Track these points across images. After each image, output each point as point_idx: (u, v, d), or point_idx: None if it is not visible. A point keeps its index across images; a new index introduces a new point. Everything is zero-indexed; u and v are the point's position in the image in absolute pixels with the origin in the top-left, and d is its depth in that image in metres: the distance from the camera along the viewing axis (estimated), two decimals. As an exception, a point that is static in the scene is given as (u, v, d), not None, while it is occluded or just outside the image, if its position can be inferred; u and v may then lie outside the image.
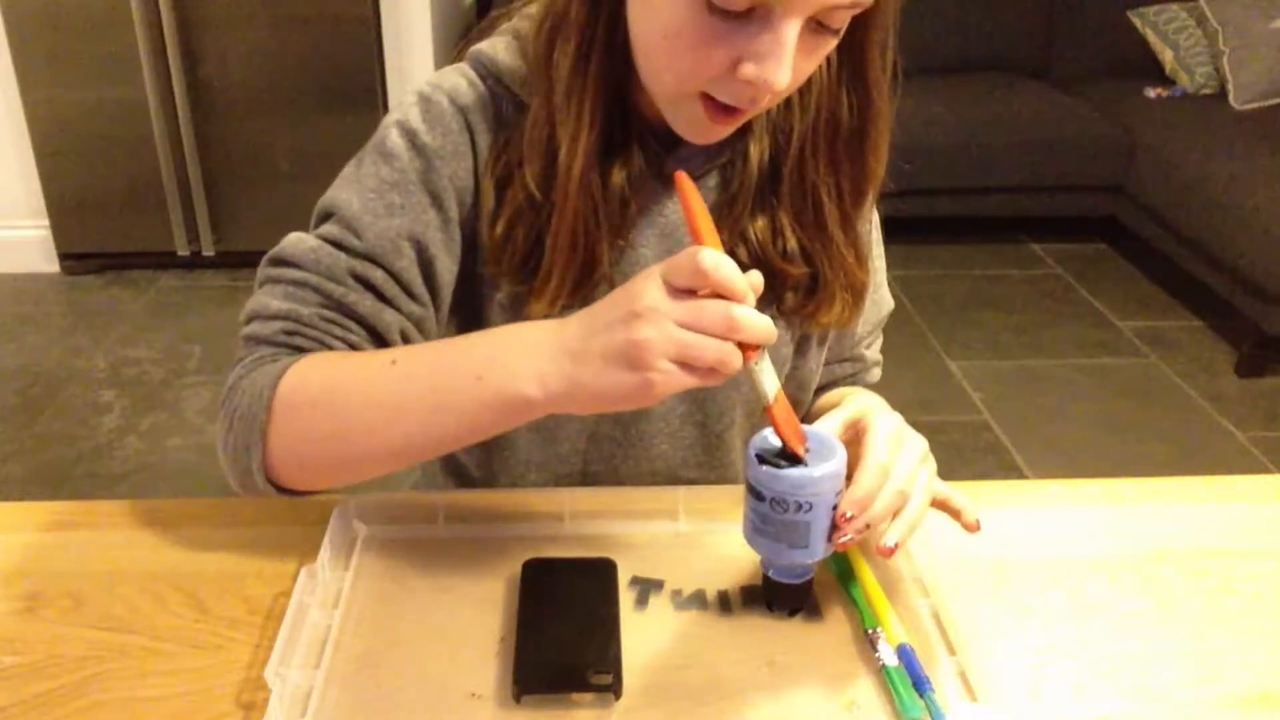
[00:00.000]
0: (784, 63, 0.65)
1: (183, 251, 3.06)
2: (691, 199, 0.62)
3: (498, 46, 0.79)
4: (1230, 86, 3.28)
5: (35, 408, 2.45)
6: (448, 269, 0.79)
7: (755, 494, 0.67)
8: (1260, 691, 0.68)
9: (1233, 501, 0.88)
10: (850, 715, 0.65)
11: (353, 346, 0.75)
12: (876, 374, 1.01)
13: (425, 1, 2.94)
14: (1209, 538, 0.83)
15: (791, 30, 0.64)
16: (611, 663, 0.66)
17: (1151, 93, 3.40)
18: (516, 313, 0.80)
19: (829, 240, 0.82)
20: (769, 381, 0.63)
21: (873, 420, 0.70)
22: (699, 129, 0.72)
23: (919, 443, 0.72)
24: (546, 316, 0.77)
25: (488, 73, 0.79)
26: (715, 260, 0.58)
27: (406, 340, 0.78)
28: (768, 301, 0.84)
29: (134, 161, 2.93)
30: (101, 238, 3.07)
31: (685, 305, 0.59)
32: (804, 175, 0.80)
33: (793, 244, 0.82)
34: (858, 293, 0.85)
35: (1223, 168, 2.84)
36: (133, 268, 3.13)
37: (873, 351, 1.00)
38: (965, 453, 2.33)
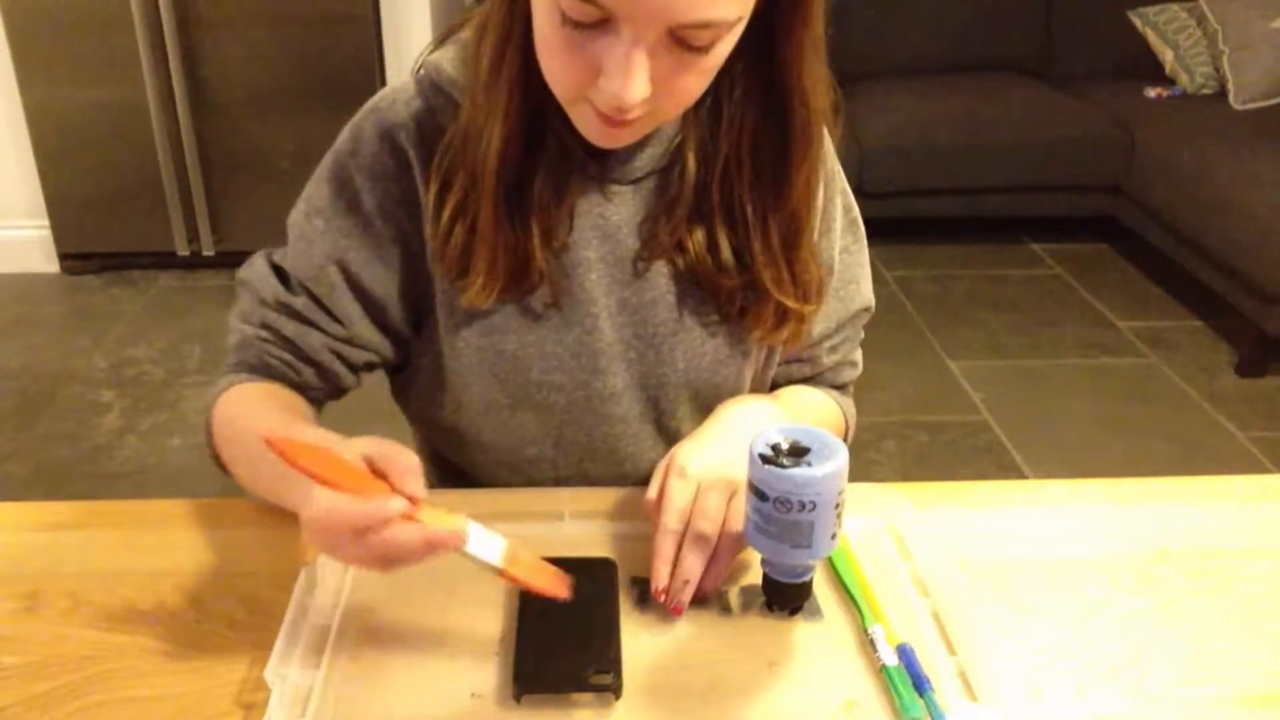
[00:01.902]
0: (632, 77, 0.65)
1: (183, 251, 3.06)
2: (293, 457, 0.60)
3: (446, 56, 0.80)
4: (1230, 86, 3.28)
5: (35, 408, 2.45)
6: (382, 284, 0.83)
7: (758, 494, 0.67)
8: (1260, 691, 0.68)
9: (1233, 501, 0.88)
10: (850, 715, 0.65)
11: (285, 363, 0.85)
12: (849, 374, 0.99)
13: (425, 1, 2.94)
14: (1209, 538, 0.83)
15: (638, 45, 0.64)
16: (611, 663, 0.66)
17: (1151, 93, 3.40)
18: (453, 306, 0.82)
19: (756, 261, 0.81)
20: (490, 555, 0.64)
21: (671, 474, 0.74)
22: (597, 134, 0.73)
23: (721, 484, 0.73)
24: (484, 334, 0.82)
25: (431, 84, 0.80)
26: (317, 514, 0.60)
27: (339, 357, 0.85)
28: (705, 311, 0.85)
29: (134, 161, 2.94)
30: (101, 238, 3.07)
31: (333, 542, 0.61)
32: (731, 197, 0.80)
33: (727, 257, 0.82)
34: (795, 314, 0.84)
35: (1223, 168, 2.84)
36: (133, 268, 3.13)
37: (841, 353, 0.96)
38: (965, 453, 2.33)
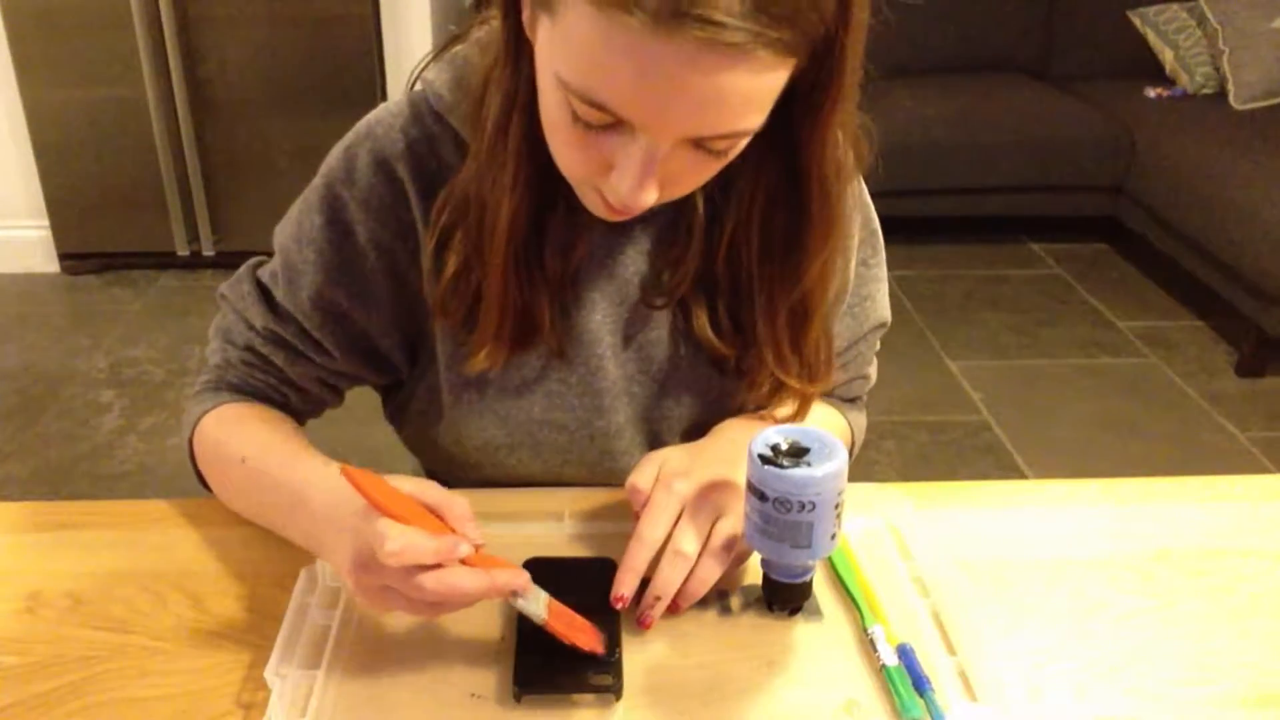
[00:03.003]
0: (643, 184, 0.62)
1: (183, 251, 3.06)
2: (368, 490, 0.62)
3: (443, 78, 0.77)
4: (1230, 86, 3.28)
5: (35, 408, 2.45)
6: (374, 319, 0.82)
7: (758, 494, 0.67)
8: (1260, 691, 0.68)
9: (1233, 501, 0.88)
10: (850, 715, 0.65)
11: (270, 387, 0.84)
12: (860, 388, 0.97)
13: (425, 1, 2.94)
14: (1209, 538, 0.83)
15: (653, 151, 0.61)
16: (611, 663, 0.66)
17: (1151, 93, 3.40)
18: (458, 356, 0.81)
19: (758, 337, 0.79)
20: (534, 610, 0.65)
21: (658, 485, 0.73)
22: (602, 213, 0.70)
23: (709, 506, 0.72)
24: (484, 373, 0.80)
25: (429, 110, 0.77)
26: (398, 550, 0.59)
27: (327, 386, 0.85)
28: (695, 377, 0.84)
29: (134, 161, 2.94)
30: (101, 238, 3.07)
31: (388, 581, 0.62)
32: (737, 266, 0.78)
33: (727, 328, 0.80)
34: (789, 387, 0.81)
35: (1223, 168, 2.84)
36: (133, 268, 3.13)
37: (852, 369, 0.94)
38: (965, 453, 2.33)
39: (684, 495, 0.72)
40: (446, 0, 3.18)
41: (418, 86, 0.79)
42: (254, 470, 0.76)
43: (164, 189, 2.96)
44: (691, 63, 0.55)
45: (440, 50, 0.79)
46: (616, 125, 0.61)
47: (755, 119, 0.61)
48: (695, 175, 0.66)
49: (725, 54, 0.55)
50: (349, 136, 0.79)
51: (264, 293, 0.83)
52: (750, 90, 0.58)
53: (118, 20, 2.76)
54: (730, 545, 0.72)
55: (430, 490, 0.65)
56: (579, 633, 0.66)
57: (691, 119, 0.59)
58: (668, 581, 0.70)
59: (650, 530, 0.70)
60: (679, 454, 0.77)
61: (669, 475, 0.73)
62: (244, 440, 0.79)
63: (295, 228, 0.81)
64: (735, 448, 0.75)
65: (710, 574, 0.71)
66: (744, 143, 0.64)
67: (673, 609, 0.71)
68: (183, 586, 0.75)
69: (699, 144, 0.62)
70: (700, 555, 0.71)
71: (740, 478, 0.69)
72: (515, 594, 0.64)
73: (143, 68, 2.81)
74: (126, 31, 2.76)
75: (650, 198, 0.63)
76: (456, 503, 0.65)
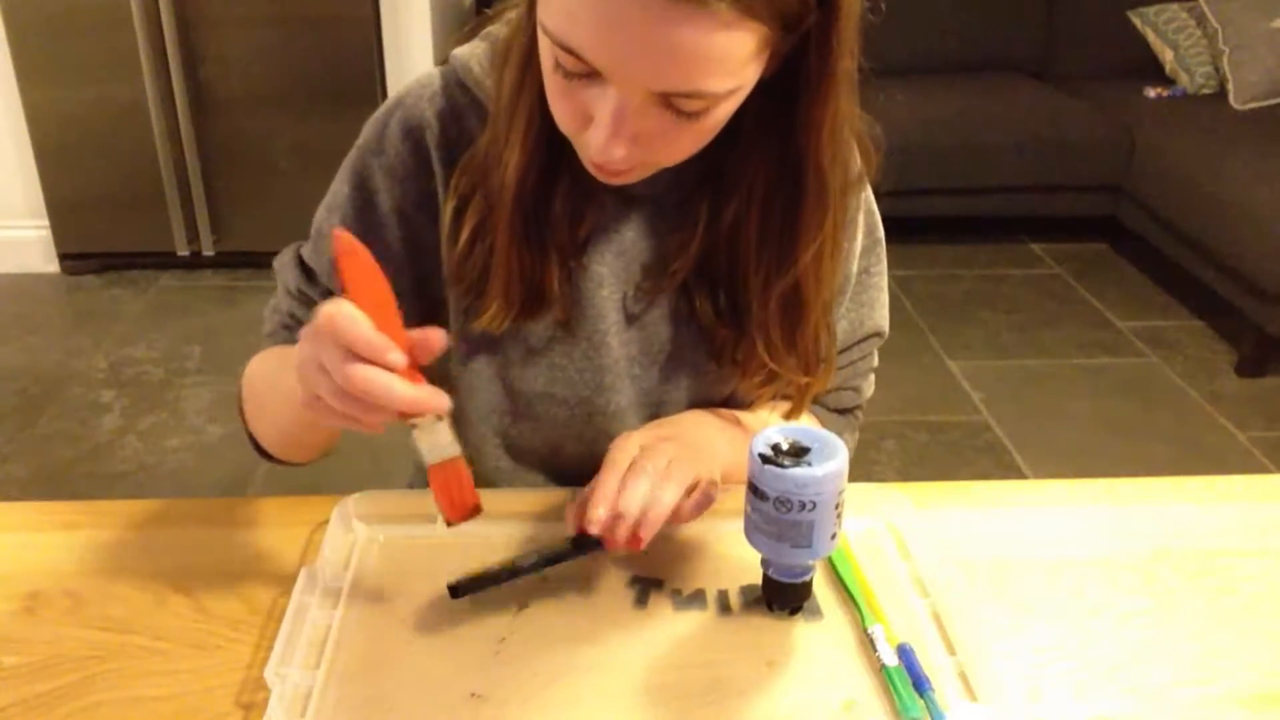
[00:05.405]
0: (613, 136, 0.63)
1: (182, 251, 3.06)
2: (346, 254, 0.63)
3: (475, 54, 0.79)
4: (1230, 86, 3.28)
5: (35, 408, 2.45)
6: (394, 286, 0.81)
7: (758, 493, 0.67)
8: (1260, 691, 0.68)
9: (1233, 501, 0.88)
10: (850, 715, 0.65)
11: None
12: (849, 399, 0.95)
13: (425, 1, 2.94)
14: (1209, 538, 0.83)
15: (624, 103, 0.62)
16: (467, 587, 0.71)
17: (1151, 93, 3.40)
18: (469, 320, 0.81)
19: (751, 323, 0.79)
20: (427, 448, 0.65)
21: (613, 451, 0.74)
22: (597, 174, 0.71)
23: (665, 456, 0.73)
24: (493, 340, 0.82)
25: (457, 82, 0.79)
26: (333, 313, 0.59)
27: None
28: (695, 363, 0.84)
29: (134, 161, 2.93)
30: (101, 238, 3.07)
31: (322, 355, 0.61)
32: (736, 256, 0.78)
33: (725, 311, 0.80)
34: (781, 379, 0.81)
35: (1223, 168, 2.84)
36: (133, 268, 3.13)
37: (840, 377, 0.92)
38: (965, 453, 2.33)
39: (640, 441, 0.74)
40: (446, 0, 3.18)
41: (443, 67, 0.80)
42: (274, 369, 0.81)
43: (164, 189, 2.96)
44: (649, 10, 0.57)
45: (474, 28, 0.81)
46: (592, 76, 0.62)
47: (719, 81, 0.61)
48: (671, 139, 0.66)
49: (682, 5, 0.56)
50: (381, 108, 0.82)
51: (301, 262, 0.87)
52: (709, 47, 0.59)
53: (118, 20, 2.76)
54: (686, 482, 0.72)
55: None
56: (445, 495, 0.67)
57: (653, 70, 0.60)
58: (631, 497, 0.69)
59: (621, 457, 0.72)
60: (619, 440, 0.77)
61: (615, 455, 0.74)
62: (269, 355, 0.84)
63: (329, 196, 0.84)
64: (690, 418, 0.84)
65: (670, 496, 0.70)
66: (722, 110, 0.65)
67: (634, 543, 0.70)
68: (183, 586, 0.75)
69: (668, 103, 0.62)
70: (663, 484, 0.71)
71: (693, 439, 0.75)
72: (416, 423, 0.64)
73: (143, 68, 2.81)
74: (126, 31, 2.76)
75: (619, 152, 0.64)
76: (433, 334, 0.63)
